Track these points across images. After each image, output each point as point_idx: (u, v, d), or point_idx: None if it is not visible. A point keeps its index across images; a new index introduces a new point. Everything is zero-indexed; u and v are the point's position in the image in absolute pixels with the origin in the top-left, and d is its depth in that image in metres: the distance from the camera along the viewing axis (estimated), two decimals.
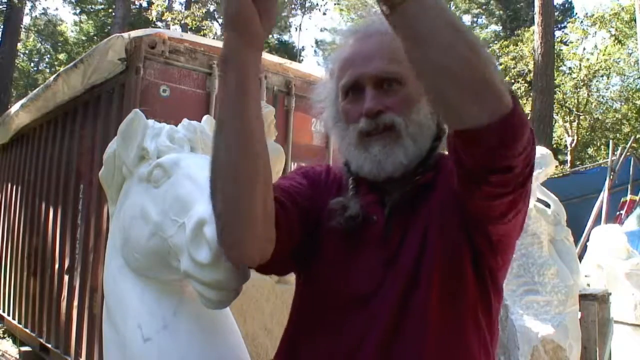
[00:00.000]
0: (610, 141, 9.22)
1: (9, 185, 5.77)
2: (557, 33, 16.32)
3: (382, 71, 1.00)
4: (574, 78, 16.10)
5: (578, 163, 16.32)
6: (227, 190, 0.88)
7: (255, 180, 0.87)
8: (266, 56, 4.34)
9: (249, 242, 0.92)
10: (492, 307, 1.02)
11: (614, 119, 17.38)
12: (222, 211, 0.90)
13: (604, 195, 6.83)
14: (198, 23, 13.54)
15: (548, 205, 3.58)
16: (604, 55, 15.94)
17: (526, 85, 15.40)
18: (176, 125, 1.40)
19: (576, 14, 22.62)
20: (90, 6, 23.01)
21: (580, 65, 15.99)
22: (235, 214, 0.89)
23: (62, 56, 22.19)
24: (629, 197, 7.20)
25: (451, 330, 0.95)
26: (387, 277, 0.98)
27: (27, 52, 23.21)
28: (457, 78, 0.77)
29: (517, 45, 15.81)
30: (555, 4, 14.97)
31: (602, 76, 16.94)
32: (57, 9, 42.04)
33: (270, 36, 23.35)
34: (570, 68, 16.75)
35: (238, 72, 0.84)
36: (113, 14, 17.37)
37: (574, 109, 16.25)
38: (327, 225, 1.02)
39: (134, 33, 3.44)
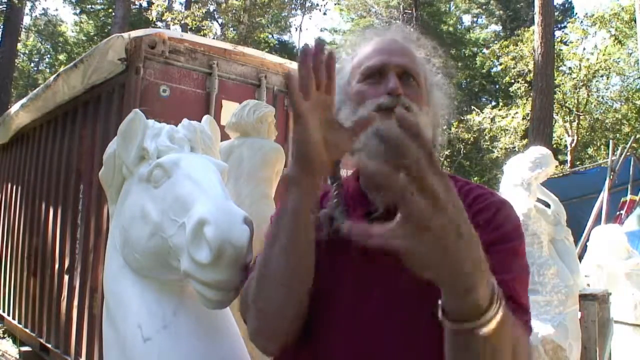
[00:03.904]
0: (610, 141, 9.20)
1: (9, 185, 5.77)
2: (557, 33, 16.32)
3: (407, 65, 1.05)
4: (574, 78, 16.08)
5: (578, 163, 16.30)
6: (273, 295, 0.95)
7: (300, 291, 0.95)
8: (266, 56, 4.35)
9: (278, 339, 0.99)
10: None
11: (614, 119, 17.36)
12: (264, 309, 0.97)
13: (604, 195, 6.82)
14: (198, 23, 13.54)
15: (548, 205, 3.58)
16: (604, 55, 15.92)
17: (526, 85, 15.40)
18: (176, 125, 1.40)
19: (576, 14, 22.70)
20: (90, 6, 23.01)
21: (580, 65, 15.96)
22: (274, 316, 0.97)
23: (62, 56, 22.20)
24: (629, 197, 7.20)
25: (428, 346, 0.94)
26: (366, 291, 0.99)
27: (27, 52, 23.21)
28: None
29: (517, 45, 15.79)
30: (555, 4, 14.96)
31: (602, 76, 16.91)
32: (57, 9, 42.02)
33: (270, 36, 23.38)
34: (570, 68, 16.72)
35: (297, 197, 0.90)
36: (113, 14, 17.36)
37: (574, 109, 16.23)
38: (317, 239, 1.03)
39: (134, 33, 3.44)
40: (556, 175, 8.42)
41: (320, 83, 0.85)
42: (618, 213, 7.13)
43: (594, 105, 17.36)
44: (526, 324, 0.90)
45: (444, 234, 0.60)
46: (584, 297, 3.52)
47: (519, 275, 0.95)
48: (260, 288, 0.96)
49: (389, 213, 1.00)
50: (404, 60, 1.06)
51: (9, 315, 5.29)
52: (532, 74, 12.42)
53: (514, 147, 14.74)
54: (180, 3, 17.62)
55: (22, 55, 21.64)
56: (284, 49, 23.15)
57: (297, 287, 0.95)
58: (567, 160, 15.93)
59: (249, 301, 0.99)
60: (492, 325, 0.68)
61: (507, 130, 15.67)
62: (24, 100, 5.23)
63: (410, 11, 18.95)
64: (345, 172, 1.13)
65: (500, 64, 17.12)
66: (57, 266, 4.13)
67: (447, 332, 0.75)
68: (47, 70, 22.92)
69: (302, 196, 0.89)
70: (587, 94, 16.45)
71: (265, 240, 0.96)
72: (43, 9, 21.25)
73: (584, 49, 16.34)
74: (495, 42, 20.45)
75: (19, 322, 4.95)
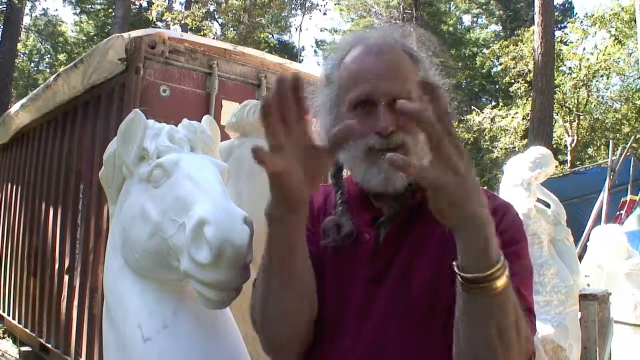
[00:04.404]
0: (610, 141, 9.20)
1: (9, 185, 5.77)
2: (557, 33, 16.31)
3: (396, 91, 0.99)
4: (574, 78, 16.07)
5: (578, 163, 16.30)
6: (281, 329, 0.98)
7: (308, 317, 0.97)
8: (266, 56, 4.34)
9: (290, 357, 1.02)
10: None
11: (614, 119, 17.37)
12: (272, 339, 1.00)
13: (604, 195, 6.82)
14: (198, 23, 13.55)
15: (548, 205, 3.58)
16: (604, 55, 15.92)
17: (526, 85, 15.39)
18: (176, 125, 1.40)
19: (576, 14, 22.69)
20: (90, 6, 23.01)
21: (580, 65, 15.96)
22: (284, 345, 1.00)
23: (62, 56, 22.20)
24: (629, 197, 7.20)
25: (430, 354, 0.95)
26: (372, 295, 1.00)
27: (27, 52, 23.21)
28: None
29: (517, 45, 15.79)
30: (555, 4, 14.97)
31: (602, 76, 16.91)
32: (56, 10, 41.99)
33: (270, 36, 23.38)
34: (570, 68, 16.71)
35: (284, 233, 0.88)
36: (113, 14, 17.38)
37: (574, 109, 16.23)
38: (322, 243, 1.04)
39: (134, 33, 3.44)
40: (556, 175, 8.42)
41: (293, 117, 0.79)
42: (618, 213, 7.13)
43: (594, 105, 17.36)
44: (531, 323, 0.91)
45: (466, 178, 0.74)
46: (584, 297, 3.52)
47: (523, 278, 0.96)
48: (266, 322, 0.97)
49: (393, 218, 1.01)
50: (392, 84, 0.99)
51: (9, 315, 5.29)
52: (532, 74, 12.42)
53: (514, 147, 14.73)
54: (180, 3, 17.63)
55: (22, 55, 21.63)
56: (284, 49, 23.15)
57: (303, 317, 0.96)
58: (567, 160, 15.93)
59: (256, 327, 1.00)
60: (502, 280, 0.77)
61: (507, 130, 15.67)
62: (24, 100, 5.23)
63: (410, 11, 18.96)
64: (345, 172, 1.13)
65: (500, 64, 17.12)
66: (57, 266, 4.13)
67: (459, 291, 0.81)
68: (47, 70, 22.92)
69: (289, 232, 0.88)
70: (587, 94, 16.46)
71: (261, 277, 0.95)
72: (43, 9, 21.31)
73: (584, 49, 16.34)
74: (495, 42, 20.44)
75: (19, 322, 4.95)
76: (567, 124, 16.20)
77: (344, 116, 1.02)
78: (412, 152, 0.99)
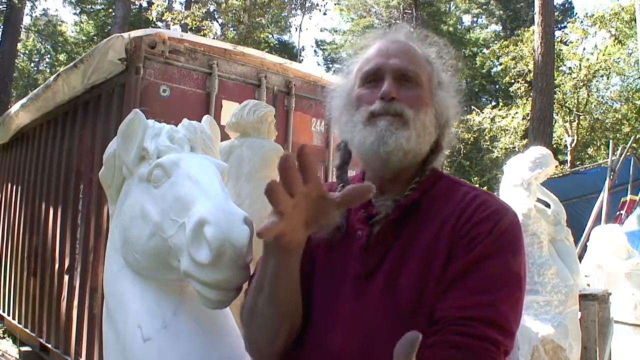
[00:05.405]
0: (610, 141, 9.20)
1: (9, 185, 5.77)
2: (557, 33, 16.31)
3: (404, 67, 1.05)
4: (574, 78, 16.06)
5: (578, 163, 16.30)
6: (262, 335, 1.03)
7: (289, 328, 1.01)
8: (266, 56, 4.35)
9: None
10: None
11: (614, 119, 17.35)
12: (255, 341, 1.06)
13: (604, 195, 6.82)
14: (198, 23, 13.56)
15: (548, 205, 3.58)
16: (604, 55, 15.91)
17: (526, 85, 15.38)
18: (176, 125, 1.40)
19: (576, 14, 22.69)
20: (90, 6, 23.02)
21: (580, 65, 15.96)
22: (265, 348, 1.04)
23: (62, 56, 22.20)
24: (629, 197, 7.20)
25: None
26: (361, 291, 1.00)
27: (27, 52, 23.21)
28: None
29: (517, 45, 15.79)
30: (555, 4, 14.95)
31: (602, 76, 16.90)
32: (56, 10, 42.00)
33: (270, 36, 23.38)
34: (570, 68, 16.71)
35: (275, 265, 0.93)
36: (113, 14, 17.37)
37: (574, 109, 16.22)
38: (314, 237, 1.04)
39: (134, 33, 3.44)
40: (556, 175, 8.42)
41: (299, 185, 0.81)
42: (618, 213, 7.13)
43: (594, 105, 17.34)
44: (505, 350, 0.90)
45: None
46: (584, 297, 3.52)
47: (508, 293, 0.95)
48: (250, 324, 1.02)
49: (387, 217, 1.02)
50: (401, 62, 1.05)
51: (9, 315, 5.29)
52: (532, 74, 12.41)
53: (514, 147, 14.73)
54: (180, 3, 17.61)
55: (22, 55, 21.64)
56: (284, 49, 23.15)
57: (284, 328, 1.00)
58: (567, 160, 15.92)
59: (243, 325, 1.05)
60: None
61: (507, 130, 15.66)
62: (24, 100, 5.23)
63: (410, 11, 18.96)
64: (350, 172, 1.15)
65: (500, 64, 17.12)
66: (57, 266, 4.13)
67: None
68: (47, 70, 22.92)
69: (280, 265, 0.92)
70: (587, 94, 16.44)
71: (253, 285, 1.01)
72: (43, 9, 21.32)
73: (584, 49, 16.34)
74: (495, 42, 20.45)
75: (19, 322, 4.95)
76: (567, 124, 16.19)
77: (356, 92, 1.08)
78: (410, 125, 1.02)
